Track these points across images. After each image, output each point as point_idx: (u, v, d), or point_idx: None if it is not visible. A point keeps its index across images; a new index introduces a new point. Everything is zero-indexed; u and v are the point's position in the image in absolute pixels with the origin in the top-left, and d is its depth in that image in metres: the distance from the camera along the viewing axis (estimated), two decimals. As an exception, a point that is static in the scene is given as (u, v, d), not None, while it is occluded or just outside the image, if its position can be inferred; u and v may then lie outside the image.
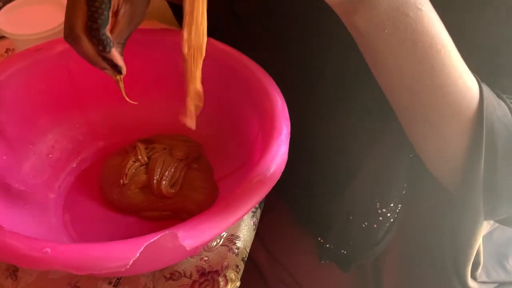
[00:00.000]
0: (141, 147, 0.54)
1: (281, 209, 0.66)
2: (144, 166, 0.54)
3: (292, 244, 0.63)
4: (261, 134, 0.48)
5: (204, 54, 0.40)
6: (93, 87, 0.57)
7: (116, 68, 0.44)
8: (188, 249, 0.34)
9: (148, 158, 0.54)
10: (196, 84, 0.41)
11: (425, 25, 0.35)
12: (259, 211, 0.56)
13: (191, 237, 0.34)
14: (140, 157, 0.53)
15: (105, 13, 0.40)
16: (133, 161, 0.53)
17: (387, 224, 0.52)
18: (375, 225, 0.52)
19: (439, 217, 0.52)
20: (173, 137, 0.57)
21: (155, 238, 0.33)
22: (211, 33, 0.50)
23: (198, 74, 0.41)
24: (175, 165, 0.53)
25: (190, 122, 0.43)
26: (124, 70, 0.44)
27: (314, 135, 0.57)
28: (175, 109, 0.59)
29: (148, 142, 0.56)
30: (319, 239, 0.60)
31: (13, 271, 0.47)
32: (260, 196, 0.38)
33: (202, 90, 0.42)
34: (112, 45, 0.41)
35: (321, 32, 0.50)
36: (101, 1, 0.40)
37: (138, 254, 0.32)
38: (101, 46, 0.41)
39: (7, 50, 0.77)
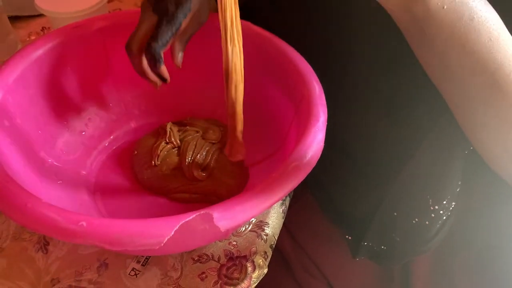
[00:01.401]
0: (174, 129, 0.54)
1: (308, 200, 0.65)
2: (176, 149, 0.54)
3: (318, 235, 0.63)
4: (296, 121, 0.47)
5: (243, 77, 0.42)
6: (128, 67, 0.56)
7: (161, 78, 0.46)
8: (222, 230, 0.33)
9: (180, 140, 0.54)
10: (237, 108, 0.44)
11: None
12: (288, 199, 0.56)
13: (226, 218, 0.33)
14: (173, 139, 0.53)
15: (169, 38, 0.43)
16: (165, 142, 0.53)
17: (440, 222, 0.51)
18: (426, 222, 0.51)
19: (496, 217, 0.51)
20: (206, 121, 0.57)
21: (191, 217, 0.33)
22: (246, 15, 0.50)
23: (240, 98, 0.43)
24: (207, 148, 0.53)
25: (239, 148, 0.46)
26: (168, 81, 0.47)
27: (350, 127, 0.56)
28: (207, 92, 0.60)
29: (180, 124, 0.56)
30: (347, 236, 0.59)
31: (44, 245, 0.48)
32: (296, 181, 0.37)
33: (242, 114, 0.44)
34: (162, 61, 0.44)
35: (355, 24, 0.49)
36: (170, 29, 0.43)
37: (173, 232, 0.32)
38: (153, 61, 0.43)
39: (43, 28, 0.78)
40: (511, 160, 0.38)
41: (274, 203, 0.36)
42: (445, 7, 0.33)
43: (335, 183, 0.61)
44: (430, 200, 0.50)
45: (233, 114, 0.44)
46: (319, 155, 0.40)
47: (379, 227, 0.55)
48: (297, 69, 0.49)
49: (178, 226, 0.32)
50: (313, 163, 0.39)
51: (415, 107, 0.48)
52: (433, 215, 0.51)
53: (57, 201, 0.44)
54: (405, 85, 0.47)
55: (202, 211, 0.33)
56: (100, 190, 0.52)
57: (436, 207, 0.50)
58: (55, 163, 0.50)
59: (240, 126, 0.45)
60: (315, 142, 0.40)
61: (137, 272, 0.46)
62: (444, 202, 0.50)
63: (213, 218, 0.33)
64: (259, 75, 0.54)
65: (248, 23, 0.54)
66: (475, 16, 0.33)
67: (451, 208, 0.51)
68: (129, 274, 0.46)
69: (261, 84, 0.55)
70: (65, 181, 0.50)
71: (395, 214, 0.53)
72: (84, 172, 0.53)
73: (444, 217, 0.51)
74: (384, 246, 0.56)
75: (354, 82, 0.53)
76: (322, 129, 0.42)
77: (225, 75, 0.41)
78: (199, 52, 0.57)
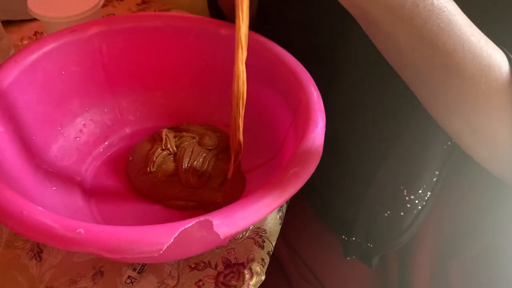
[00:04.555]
0: (170, 136, 0.54)
1: (304, 205, 0.65)
2: (172, 155, 0.53)
3: (313, 241, 0.63)
4: (294, 127, 0.47)
5: (245, 102, 0.43)
6: (123, 72, 0.56)
7: None
8: (222, 237, 0.33)
9: (176, 146, 0.53)
10: (238, 133, 0.45)
11: None
12: (285, 205, 0.55)
13: (226, 225, 0.33)
14: (169, 145, 0.53)
15: None
16: (161, 149, 0.53)
17: (415, 212, 0.51)
18: (402, 213, 0.51)
19: (477, 211, 0.51)
20: (202, 126, 0.56)
21: (190, 224, 0.32)
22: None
23: (240, 123, 0.44)
24: (204, 155, 0.52)
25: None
26: None
27: (337, 129, 0.56)
28: (203, 98, 0.59)
29: (176, 130, 0.56)
30: (343, 236, 0.59)
31: (37, 252, 0.47)
32: (296, 188, 0.37)
33: (242, 139, 0.46)
34: None
35: (345, 24, 0.49)
36: None
37: (172, 240, 0.32)
38: None
39: (35, 33, 0.77)
40: (479, 141, 0.38)
41: (274, 209, 0.35)
42: None
43: (326, 183, 0.61)
44: (405, 190, 0.50)
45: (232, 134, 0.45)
46: (318, 161, 0.40)
47: (363, 222, 0.55)
48: (294, 74, 0.49)
49: (177, 233, 0.32)
50: (313, 168, 0.39)
51: (394, 101, 0.48)
52: (408, 205, 0.51)
53: (52, 208, 0.44)
54: (387, 82, 0.47)
55: (202, 218, 0.33)
56: (95, 197, 0.52)
57: (412, 197, 0.51)
58: (49, 169, 0.49)
59: (235, 147, 0.46)
60: (314, 147, 0.40)
61: (133, 280, 0.45)
62: (420, 191, 0.50)
63: (212, 225, 0.33)
64: (255, 80, 0.54)
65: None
66: (420, 3, 0.33)
67: (426, 197, 0.51)
68: (125, 282, 0.45)
69: (257, 90, 0.55)
70: (59, 187, 0.49)
71: (376, 208, 0.53)
72: (78, 178, 0.52)
73: (419, 207, 0.51)
74: (370, 244, 0.56)
75: (343, 87, 0.53)
76: (321, 135, 0.42)
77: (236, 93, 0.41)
78: (194, 57, 0.57)
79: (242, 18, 0.38)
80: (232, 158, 0.48)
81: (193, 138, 0.54)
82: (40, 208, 0.33)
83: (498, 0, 0.40)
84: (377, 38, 0.38)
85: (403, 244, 0.55)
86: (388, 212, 0.52)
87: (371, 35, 0.38)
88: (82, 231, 0.32)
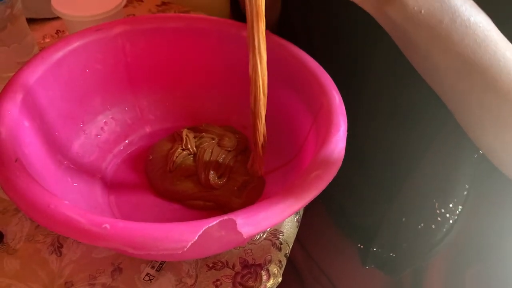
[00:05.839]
0: (190, 136, 0.54)
1: (320, 209, 0.65)
2: (191, 155, 0.54)
3: (329, 246, 0.63)
4: (314, 130, 0.47)
5: (266, 92, 0.42)
6: (145, 72, 0.57)
7: None
8: (245, 237, 0.33)
9: (196, 147, 0.54)
10: (261, 122, 0.44)
11: None
12: (302, 209, 0.55)
13: (249, 224, 0.33)
14: (189, 146, 0.53)
15: None
16: (181, 149, 0.53)
17: (446, 226, 0.51)
18: (433, 226, 0.51)
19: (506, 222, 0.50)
20: (221, 128, 0.57)
21: (214, 222, 0.32)
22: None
23: (263, 112, 0.43)
24: (223, 156, 0.53)
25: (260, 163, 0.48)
26: None
27: (358, 137, 0.56)
28: (223, 99, 0.60)
29: (196, 130, 0.56)
30: (359, 245, 0.59)
31: (57, 247, 0.48)
32: (318, 190, 0.37)
33: (264, 129, 0.45)
34: None
35: (369, 33, 0.49)
36: None
37: (196, 237, 0.32)
38: None
39: (57, 31, 0.78)
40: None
41: (296, 211, 0.36)
42: (422, 11, 0.33)
43: (344, 190, 0.61)
44: (437, 204, 0.50)
45: (253, 126, 0.44)
46: (340, 165, 0.40)
47: (387, 233, 0.55)
48: (316, 78, 0.49)
49: (202, 231, 0.32)
50: (334, 172, 0.39)
51: (421, 111, 0.48)
52: (439, 219, 0.51)
53: (73, 204, 0.44)
54: (413, 90, 0.47)
55: (225, 217, 0.33)
56: (114, 194, 0.52)
57: (443, 210, 0.50)
58: (71, 165, 0.50)
59: (260, 139, 0.45)
60: (336, 151, 0.40)
61: (151, 277, 0.45)
62: (451, 205, 0.50)
63: (236, 224, 0.33)
64: (277, 83, 0.54)
65: (267, 31, 0.54)
66: (457, 19, 0.33)
67: (457, 211, 0.51)
68: (143, 279, 0.45)
69: (277, 92, 0.55)
70: (80, 183, 0.50)
71: (403, 219, 0.53)
72: (99, 176, 0.53)
73: (451, 221, 0.51)
74: (392, 253, 0.56)
75: (370, 93, 0.53)
76: (343, 139, 0.42)
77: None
78: (215, 59, 0.57)
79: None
80: (260, 150, 0.47)
81: (213, 139, 0.55)
82: (67, 202, 0.34)
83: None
84: (415, 58, 0.37)
85: (436, 256, 0.54)
86: (421, 225, 0.52)
87: (409, 56, 0.38)
88: (108, 226, 0.32)
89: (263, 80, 0.41)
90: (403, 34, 0.35)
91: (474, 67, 0.34)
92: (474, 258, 0.54)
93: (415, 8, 0.33)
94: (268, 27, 0.40)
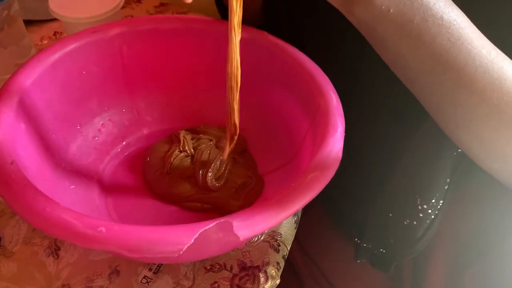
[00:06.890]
0: (187, 138, 0.54)
1: (317, 210, 0.65)
2: (189, 157, 0.53)
3: (327, 245, 0.62)
4: (312, 131, 0.47)
5: (239, 84, 0.42)
6: (142, 74, 0.57)
7: None
8: (242, 239, 0.33)
9: (194, 149, 0.54)
10: (234, 115, 0.44)
11: None
12: (300, 210, 0.55)
13: (246, 227, 0.33)
14: (187, 147, 0.53)
15: None
16: (179, 150, 0.53)
17: (428, 221, 0.51)
18: (415, 222, 0.51)
19: (491, 218, 0.50)
20: (219, 129, 0.56)
21: (211, 225, 0.32)
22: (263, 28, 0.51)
23: (235, 106, 0.43)
24: (221, 158, 0.53)
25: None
26: None
27: (351, 134, 0.56)
28: (220, 101, 0.59)
29: (193, 132, 0.56)
30: (356, 239, 0.59)
31: (55, 250, 0.47)
32: (315, 192, 0.37)
33: (238, 122, 0.45)
34: None
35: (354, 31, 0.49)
36: None
37: (193, 240, 0.32)
38: None
39: (55, 33, 0.78)
40: (488, 154, 0.37)
41: (293, 213, 0.36)
42: (391, 10, 0.33)
43: (339, 190, 0.61)
44: (419, 199, 0.50)
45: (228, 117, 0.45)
46: (338, 166, 0.40)
47: (375, 229, 0.55)
48: (313, 79, 0.49)
49: (198, 234, 0.32)
50: (332, 173, 0.39)
51: (403, 107, 0.47)
52: (421, 215, 0.51)
53: (70, 206, 0.44)
54: (398, 88, 0.47)
55: (222, 220, 0.33)
56: (112, 196, 0.52)
57: (425, 206, 0.50)
58: (68, 167, 0.50)
59: (231, 129, 0.46)
60: (333, 152, 0.40)
61: (149, 280, 0.45)
62: (433, 201, 0.50)
63: (232, 226, 0.33)
64: (274, 84, 0.54)
65: (264, 33, 0.54)
66: (429, 18, 0.32)
67: (439, 206, 0.51)
68: (140, 281, 0.45)
69: (275, 93, 0.55)
70: (77, 186, 0.50)
71: (390, 215, 0.53)
72: (96, 178, 0.53)
73: (432, 216, 0.51)
74: (382, 249, 0.56)
75: (364, 91, 0.53)
76: (340, 140, 0.42)
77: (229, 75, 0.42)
78: (214, 61, 0.57)
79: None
80: (228, 141, 0.47)
81: (210, 140, 0.54)
82: (62, 205, 0.33)
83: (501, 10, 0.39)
84: (385, 55, 0.37)
85: (418, 253, 0.54)
86: (405, 221, 0.52)
87: (379, 52, 0.37)
88: (103, 229, 0.32)
89: (236, 74, 0.41)
90: (373, 32, 0.35)
91: (447, 67, 0.33)
92: (470, 256, 0.54)
93: (383, 7, 0.32)
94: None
